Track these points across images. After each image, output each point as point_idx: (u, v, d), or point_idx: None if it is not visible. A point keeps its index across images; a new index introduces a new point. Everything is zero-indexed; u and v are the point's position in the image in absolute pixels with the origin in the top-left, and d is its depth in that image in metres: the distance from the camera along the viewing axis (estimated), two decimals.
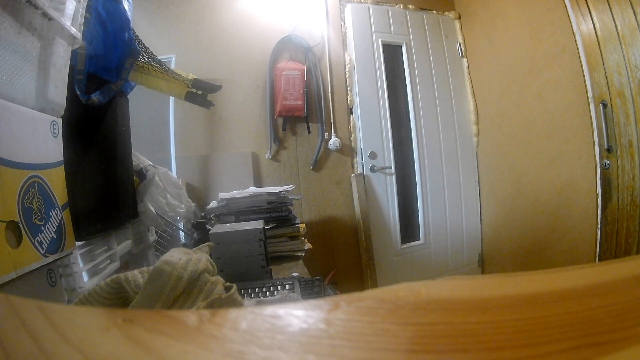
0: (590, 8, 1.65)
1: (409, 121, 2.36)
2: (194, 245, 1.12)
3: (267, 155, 2.08)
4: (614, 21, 1.56)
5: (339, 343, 0.15)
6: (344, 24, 2.25)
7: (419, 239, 2.37)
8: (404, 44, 2.35)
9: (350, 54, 2.24)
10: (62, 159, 0.71)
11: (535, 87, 2.00)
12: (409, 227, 2.37)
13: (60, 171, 0.71)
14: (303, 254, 1.25)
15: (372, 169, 2.21)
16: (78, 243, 0.76)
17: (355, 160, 2.23)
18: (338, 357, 0.15)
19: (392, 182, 2.27)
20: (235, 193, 1.37)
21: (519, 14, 2.04)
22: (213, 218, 1.34)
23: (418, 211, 2.37)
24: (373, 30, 2.29)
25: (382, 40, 2.29)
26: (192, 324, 0.17)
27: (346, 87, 2.22)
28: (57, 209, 0.67)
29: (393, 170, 2.27)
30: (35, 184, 0.61)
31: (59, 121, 0.71)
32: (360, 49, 2.24)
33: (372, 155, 2.21)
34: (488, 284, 0.21)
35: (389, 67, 2.33)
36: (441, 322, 0.17)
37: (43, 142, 0.66)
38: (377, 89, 2.26)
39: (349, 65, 2.23)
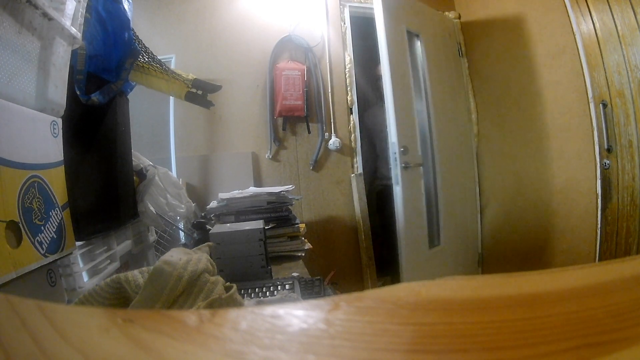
0: (590, 8, 1.65)
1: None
2: (194, 245, 1.12)
3: (267, 155, 2.08)
4: (614, 21, 1.56)
5: (339, 343, 0.15)
6: (344, 24, 2.25)
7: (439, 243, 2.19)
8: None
9: (350, 54, 2.24)
10: (62, 159, 0.71)
11: (535, 87, 2.00)
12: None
13: (60, 171, 0.71)
14: (303, 254, 1.25)
15: (406, 166, 1.96)
16: (78, 243, 0.76)
17: (355, 160, 2.23)
18: (338, 357, 0.15)
19: (419, 180, 2.10)
20: (235, 193, 1.37)
21: (519, 14, 2.04)
22: (213, 218, 1.34)
23: (438, 215, 2.19)
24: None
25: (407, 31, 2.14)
26: (192, 324, 0.17)
27: (346, 87, 2.22)
28: (57, 209, 0.67)
29: (421, 170, 2.10)
30: (35, 184, 0.61)
31: (59, 121, 0.71)
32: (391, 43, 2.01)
33: (405, 151, 1.97)
34: (488, 284, 0.21)
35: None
36: (441, 322, 0.17)
37: (43, 142, 0.66)
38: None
39: (349, 65, 2.23)
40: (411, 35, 2.19)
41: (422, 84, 2.22)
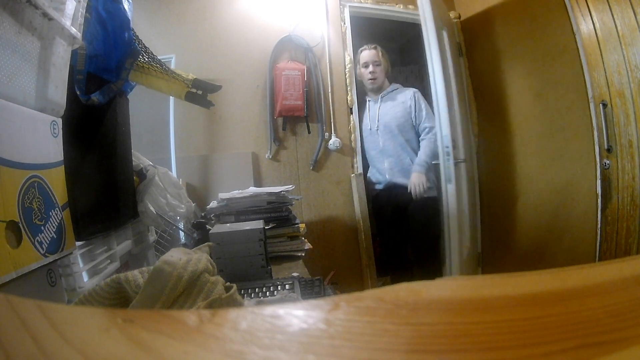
0: (590, 8, 1.65)
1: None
2: (194, 245, 1.12)
3: (267, 155, 2.08)
4: (614, 21, 1.56)
5: (339, 343, 0.15)
6: (344, 24, 2.25)
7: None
8: None
9: (350, 54, 2.24)
10: (62, 159, 0.71)
11: (535, 87, 2.00)
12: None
13: (60, 171, 0.71)
14: (303, 254, 1.25)
15: (456, 163, 1.90)
16: (78, 243, 0.76)
17: (355, 160, 2.22)
18: (338, 357, 0.15)
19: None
20: (235, 193, 1.37)
21: (519, 14, 2.04)
22: (213, 218, 1.34)
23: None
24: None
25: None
26: (192, 324, 0.17)
27: (346, 87, 2.22)
28: (57, 209, 0.67)
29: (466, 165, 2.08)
30: (35, 184, 0.61)
31: (59, 121, 0.71)
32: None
33: (454, 145, 1.91)
34: (488, 284, 0.21)
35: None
36: (441, 322, 0.17)
37: (43, 142, 0.66)
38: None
39: (349, 65, 2.23)
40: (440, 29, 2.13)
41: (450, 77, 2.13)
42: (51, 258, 0.63)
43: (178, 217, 1.36)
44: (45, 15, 0.64)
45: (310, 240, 1.34)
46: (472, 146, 2.47)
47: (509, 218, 2.26)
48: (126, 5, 0.93)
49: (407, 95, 2.12)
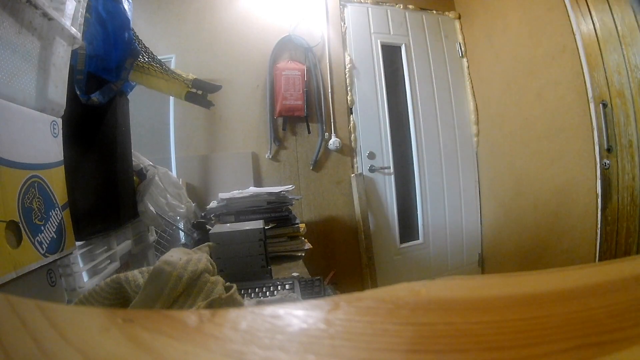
0: (590, 8, 1.65)
1: (409, 121, 2.36)
2: (194, 245, 1.12)
3: (267, 155, 2.08)
4: (614, 21, 1.56)
5: (339, 343, 0.15)
6: (344, 24, 2.25)
7: (418, 239, 2.37)
8: (404, 45, 2.35)
9: (350, 54, 2.24)
10: (62, 159, 0.71)
11: (535, 87, 2.00)
12: (408, 227, 2.37)
13: (60, 171, 0.71)
14: (303, 254, 1.25)
15: (371, 169, 2.23)
16: (78, 243, 0.76)
17: (355, 160, 2.23)
18: (338, 357, 0.15)
19: (391, 182, 2.28)
20: (235, 193, 1.37)
21: (519, 14, 2.04)
22: (213, 218, 1.34)
23: (417, 211, 2.38)
24: (372, 31, 2.29)
25: (381, 41, 2.29)
26: (192, 324, 0.17)
27: (346, 87, 2.22)
28: (57, 209, 0.67)
29: (392, 170, 2.29)
30: (35, 184, 0.61)
31: (59, 121, 0.71)
32: (359, 50, 2.25)
33: (371, 155, 2.22)
34: (488, 284, 0.21)
35: (389, 67, 2.33)
36: (441, 322, 0.17)
37: (43, 142, 0.66)
38: (376, 90, 2.27)
39: (349, 65, 2.23)
40: (389, 47, 2.36)
41: (406, 91, 2.37)
42: (51, 258, 0.63)
43: (178, 217, 1.36)
44: (45, 15, 0.64)
45: (310, 240, 1.34)
46: (473, 146, 2.47)
47: (509, 218, 2.26)
48: (126, 5, 0.93)
49: None
